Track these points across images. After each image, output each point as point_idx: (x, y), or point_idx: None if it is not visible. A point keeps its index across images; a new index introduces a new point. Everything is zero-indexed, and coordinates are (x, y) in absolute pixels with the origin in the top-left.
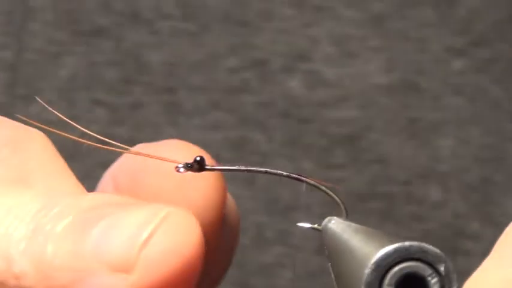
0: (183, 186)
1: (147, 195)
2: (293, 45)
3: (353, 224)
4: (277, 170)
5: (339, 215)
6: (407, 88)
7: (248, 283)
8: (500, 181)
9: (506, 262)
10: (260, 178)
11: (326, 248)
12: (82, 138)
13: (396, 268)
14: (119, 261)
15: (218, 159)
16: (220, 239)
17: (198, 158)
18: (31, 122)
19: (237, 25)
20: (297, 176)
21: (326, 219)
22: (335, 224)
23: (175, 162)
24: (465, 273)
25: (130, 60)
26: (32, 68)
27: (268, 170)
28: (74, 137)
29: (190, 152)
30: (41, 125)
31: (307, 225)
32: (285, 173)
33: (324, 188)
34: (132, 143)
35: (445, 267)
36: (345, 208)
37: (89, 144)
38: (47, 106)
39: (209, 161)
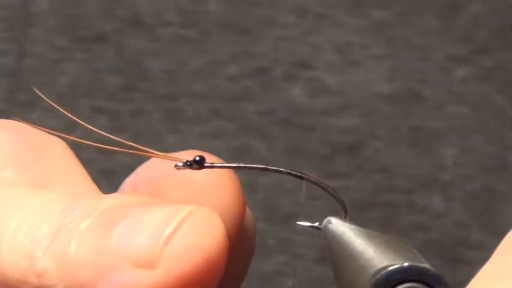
0: (203, 196)
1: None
2: (295, 53)
3: (353, 226)
4: (275, 178)
5: (340, 216)
6: (409, 96)
7: None
8: (503, 190)
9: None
10: (261, 186)
11: (326, 249)
12: (82, 144)
13: None
14: (142, 257)
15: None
16: (238, 250)
17: (197, 158)
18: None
19: (239, 32)
20: (297, 173)
21: (326, 220)
22: (335, 225)
23: (176, 161)
24: (467, 282)
25: (132, 67)
26: (33, 74)
27: (268, 167)
28: (73, 139)
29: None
30: (43, 129)
31: (307, 224)
32: (285, 170)
33: (324, 186)
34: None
35: None
36: (345, 207)
37: (105, 147)
38: (55, 105)
39: (232, 174)
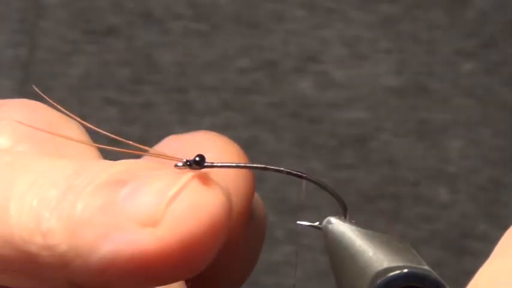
0: (212, 177)
1: None
2: (304, 47)
3: (353, 226)
4: (285, 168)
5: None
6: (417, 90)
7: (257, 281)
8: (508, 182)
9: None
10: (269, 178)
11: (326, 249)
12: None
13: None
14: (145, 216)
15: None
16: (247, 233)
17: (197, 158)
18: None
19: (248, 26)
20: (297, 172)
21: (326, 220)
22: (335, 225)
23: (176, 160)
24: (472, 274)
25: (142, 59)
26: (44, 66)
27: (268, 166)
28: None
29: (219, 143)
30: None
31: (307, 223)
32: (285, 170)
33: (324, 185)
34: (143, 142)
35: None
36: (345, 207)
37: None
38: (55, 104)
39: (240, 155)
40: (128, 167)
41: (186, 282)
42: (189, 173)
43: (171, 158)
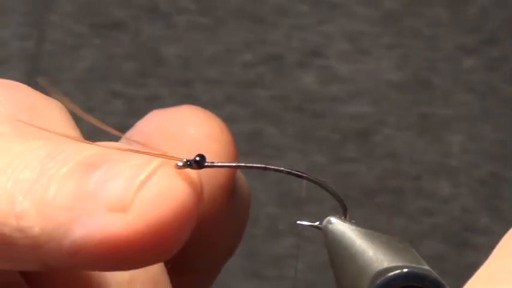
0: (195, 148)
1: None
2: (307, 41)
3: (353, 226)
4: (286, 164)
5: (341, 212)
6: (418, 85)
7: (260, 273)
8: (509, 177)
9: None
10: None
11: (326, 249)
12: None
13: None
14: (115, 201)
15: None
16: (230, 209)
17: (197, 158)
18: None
19: (253, 20)
20: (297, 172)
21: (326, 220)
22: (335, 225)
23: (176, 160)
24: (473, 267)
25: (147, 53)
26: (51, 59)
27: (268, 166)
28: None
29: (202, 118)
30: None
31: (307, 223)
32: (285, 170)
33: (324, 185)
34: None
35: None
36: (345, 207)
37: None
38: (61, 97)
39: (223, 130)
40: (101, 150)
41: (166, 262)
42: (159, 159)
43: (171, 158)
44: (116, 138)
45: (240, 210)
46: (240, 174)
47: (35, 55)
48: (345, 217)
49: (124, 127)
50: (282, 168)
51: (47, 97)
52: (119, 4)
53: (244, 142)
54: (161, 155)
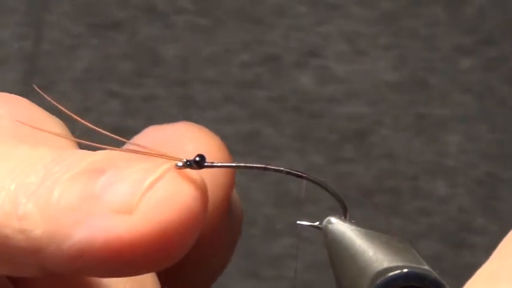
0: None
1: None
2: (305, 42)
3: (353, 226)
4: (284, 164)
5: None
6: (415, 85)
7: (258, 273)
8: (506, 177)
9: None
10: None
11: (326, 249)
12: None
13: None
14: (121, 203)
15: (230, 152)
16: (226, 223)
17: (197, 158)
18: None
19: (251, 21)
20: (296, 172)
21: (326, 220)
22: (335, 225)
23: (176, 160)
24: (470, 267)
25: (145, 53)
26: (49, 59)
27: (267, 166)
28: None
29: (199, 135)
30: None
31: (307, 223)
32: (285, 170)
33: (324, 185)
34: None
35: None
36: (345, 206)
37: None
38: (54, 102)
39: (221, 148)
40: (106, 156)
41: (159, 273)
42: (167, 164)
43: (171, 158)
44: (111, 141)
45: (234, 226)
46: (236, 195)
47: (33, 55)
48: (345, 217)
49: (121, 127)
50: (282, 168)
51: (48, 113)
52: (116, 4)
53: (241, 142)
54: (161, 155)
